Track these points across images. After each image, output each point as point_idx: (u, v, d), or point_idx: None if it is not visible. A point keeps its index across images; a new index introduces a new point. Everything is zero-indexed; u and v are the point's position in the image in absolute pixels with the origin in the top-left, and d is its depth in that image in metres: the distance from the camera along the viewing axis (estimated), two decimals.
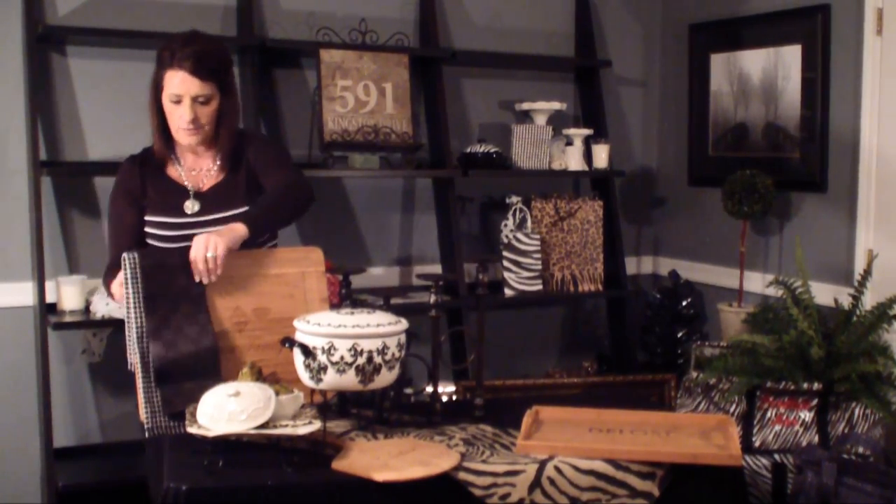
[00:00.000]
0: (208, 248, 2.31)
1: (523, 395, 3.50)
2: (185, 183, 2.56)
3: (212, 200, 2.54)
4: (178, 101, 2.44)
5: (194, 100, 2.44)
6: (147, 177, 2.55)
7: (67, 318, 3.22)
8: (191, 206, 2.53)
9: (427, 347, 2.52)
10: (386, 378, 2.21)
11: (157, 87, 2.47)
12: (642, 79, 4.45)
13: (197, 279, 2.33)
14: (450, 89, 3.94)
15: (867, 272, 3.20)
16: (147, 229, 2.54)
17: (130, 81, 3.39)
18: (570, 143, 4.04)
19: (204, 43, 2.47)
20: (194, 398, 2.13)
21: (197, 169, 2.58)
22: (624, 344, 4.18)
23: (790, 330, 3.09)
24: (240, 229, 2.38)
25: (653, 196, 4.49)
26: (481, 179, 4.04)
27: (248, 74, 3.49)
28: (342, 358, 2.14)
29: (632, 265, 4.40)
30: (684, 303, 4.12)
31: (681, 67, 4.26)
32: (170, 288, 2.32)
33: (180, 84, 2.42)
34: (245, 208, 2.51)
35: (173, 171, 2.57)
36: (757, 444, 3.05)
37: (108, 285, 2.51)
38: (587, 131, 4.06)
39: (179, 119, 2.45)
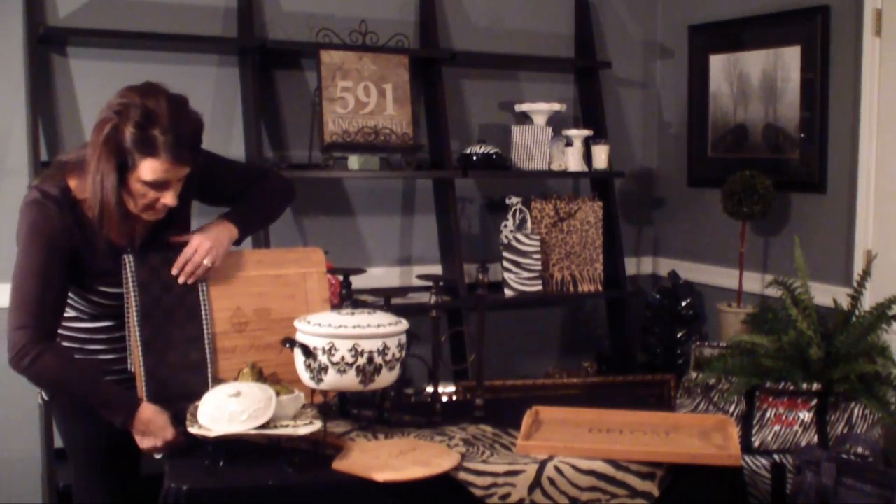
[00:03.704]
0: (206, 255, 2.27)
1: (523, 396, 3.50)
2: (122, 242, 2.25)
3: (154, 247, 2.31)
4: (158, 186, 2.14)
5: (177, 182, 2.17)
6: (77, 237, 2.18)
7: None
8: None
9: (427, 348, 2.53)
10: (386, 378, 2.22)
11: (120, 159, 2.09)
12: (642, 80, 4.45)
13: (175, 272, 2.27)
14: (450, 90, 3.94)
15: (866, 273, 3.20)
16: (78, 303, 2.30)
17: (131, 82, 3.38)
18: (569, 143, 4.05)
19: (185, 121, 2.13)
20: (182, 420, 2.13)
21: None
22: (624, 344, 4.18)
23: (789, 330, 3.09)
24: (232, 232, 2.33)
25: (652, 197, 4.49)
26: (481, 180, 4.05)
27: (249, 76, 3.50)
28: (343, 358, 2.14)
29: (631, 266, 4.40)
30: (684, 303, 4.12)
31: (680, 68, 4.27)
32: (164, 299, 2.28)
33: (165, 173, 2.11)
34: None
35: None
36: (756, 444, 3.05)
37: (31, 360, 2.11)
38: (587, 132, 4.06)
39: (156, 202, 2.16)
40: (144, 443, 2.19)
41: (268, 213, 2.54)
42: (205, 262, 2.28)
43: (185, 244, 2.31)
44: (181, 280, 2.28)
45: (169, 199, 2.16)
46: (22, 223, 2.17)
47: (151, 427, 2.17)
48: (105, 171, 2.09)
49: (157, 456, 2.21)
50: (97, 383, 2.19)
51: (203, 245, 2.28)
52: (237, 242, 2.38)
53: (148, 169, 2.09)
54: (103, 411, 2.18)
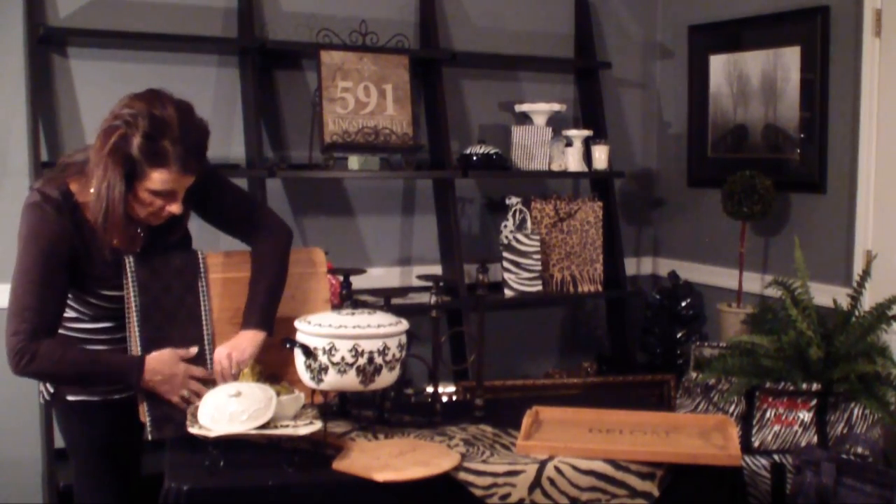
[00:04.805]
0: (233, 367, 2.24)
1: (523, 396, 3.51)
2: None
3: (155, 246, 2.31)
4: (165, 195, 2.14)
5: (183, 190, 2.18)
6: (76, 241, 2.18)
7: None
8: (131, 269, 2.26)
9: (427, 348, 2.53)
10: (386, 378, 2.22)
11: (127, 168, 2.08)
12: (642, 80, 4.46)
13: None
14: (450, 90, 3.94)
15: (866, 273, 3.20)
16: (77, 305, 2.29)
17: (131, 83, 3.35)
18: (569, 144, 4.05)
19: (193, 130, 2.13)
20: (183, 426, 2.13)
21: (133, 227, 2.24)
22: (623, 344, 4.18)
23: (789, 330, 3.09)
24: (255, 337, 2.29)
25: (652, 197, 4.50)
26: (481, 180, 4.05)
27: (249, 76, 3.50)
28: (343, 358, 2.15)
29: (631, 266, 4.40)
30: (684, 303, 4.12)
31: (680, 68, 4.27)
32: (163, 300, 2.28)
33: (174, 182, 2.12)
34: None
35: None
36: (756, 444, 3.05)
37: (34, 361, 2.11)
38: (587, 132, 4.07)
39: (161, 210, 2.17)
40: (166, 391, 2.19)
41: (279, 285, 2.39)
42: (233, 372, 2.25)
43: (182, 248, 2.34)
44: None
45: (175, 207, 2.17)
46: (22, 226, 2.17)
47: (166, 367, 2.19)
48: (112, 180, 2.09)
49: (185, 396, 2.20)
50: (97, 357, 2.20)
51: (223, 357, 2.26)
52: (269, 334, 2.32)
53: (158, 179, 2.10)
54: (115, 379, 2.19)
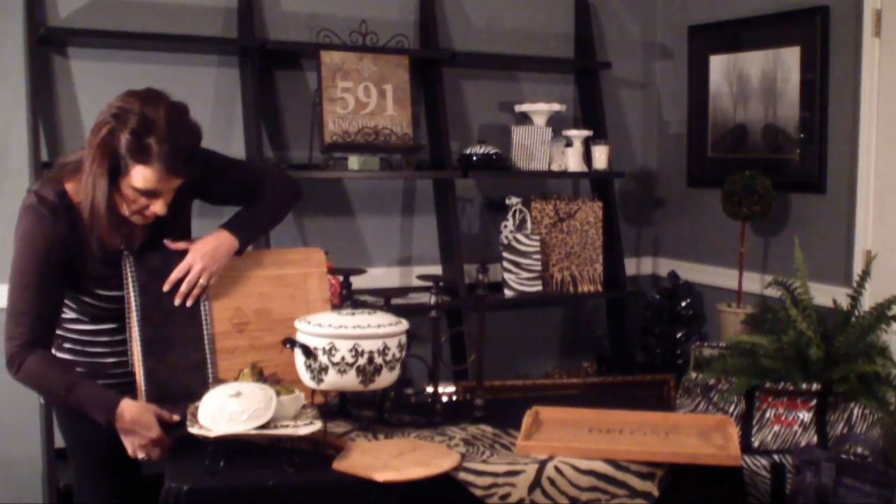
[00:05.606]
0: (202, 275, 2.25)
1: (523, 396, 3.50)
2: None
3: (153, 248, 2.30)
4: (148, 194, 2.13)
5: (168, 192, 2.16)
6: (72, 243, 2.18)
7: None
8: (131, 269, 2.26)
9: (427, 348, 2.53)
10: (387, 378, 2.22)
11: (113, 163, 2.09)
12: (642, 80, 4.46)
13: (166, 289, 2.24)
14: (450, 91, 3.95)
15: (866, 273, 3.20)
16: (76, 306, 2.30)
17: (131, 83, 3.35)
18: (569, 144, 4.05)
19: (182, 132, 2.11)
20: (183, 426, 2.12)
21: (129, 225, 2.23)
22: (623, 344, 4.19)
23: (789, 330, 3.09)
24: (232, 244, 2.30)
25: (652, 197, 4.50)
26: (481, 180, 4.05)
27: (249, 76, 3.50)
28: (343, 358, 2.15)
29: (631, 266, 4.41)
30: (683, 303, 4.12)
31: (680, 69, 4.27)
32: (163, 300, 2.28)
33: (157, 182, 2.10)
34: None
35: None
36: (756, 444, 3.05)
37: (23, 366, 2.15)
38: (587, 132, 4.07)
39: (145, 209, 2.16)
40: (129, 444, 2.17)
41: (271, 218, 2.47)
42: (200, 281, 2.25)
43: (182, 252, 2.31)
44: (177, 301, 2.27)
45: (158, 207, 2.16)
46: (18, 229, 2.18)
47: (135, 426, 2.15)
48: (97, 173, 2.10)
49: (142, 457, 2.18)
50: (76, 384, 2.16)
51: (197, 263, 2.26)
52: (239, 252, 2.34)
53: (139, 176, 2.09)
54: (86, 411, 2.17)
